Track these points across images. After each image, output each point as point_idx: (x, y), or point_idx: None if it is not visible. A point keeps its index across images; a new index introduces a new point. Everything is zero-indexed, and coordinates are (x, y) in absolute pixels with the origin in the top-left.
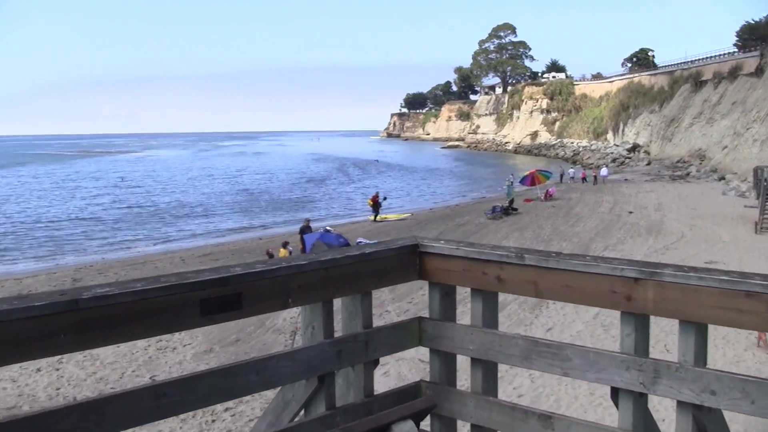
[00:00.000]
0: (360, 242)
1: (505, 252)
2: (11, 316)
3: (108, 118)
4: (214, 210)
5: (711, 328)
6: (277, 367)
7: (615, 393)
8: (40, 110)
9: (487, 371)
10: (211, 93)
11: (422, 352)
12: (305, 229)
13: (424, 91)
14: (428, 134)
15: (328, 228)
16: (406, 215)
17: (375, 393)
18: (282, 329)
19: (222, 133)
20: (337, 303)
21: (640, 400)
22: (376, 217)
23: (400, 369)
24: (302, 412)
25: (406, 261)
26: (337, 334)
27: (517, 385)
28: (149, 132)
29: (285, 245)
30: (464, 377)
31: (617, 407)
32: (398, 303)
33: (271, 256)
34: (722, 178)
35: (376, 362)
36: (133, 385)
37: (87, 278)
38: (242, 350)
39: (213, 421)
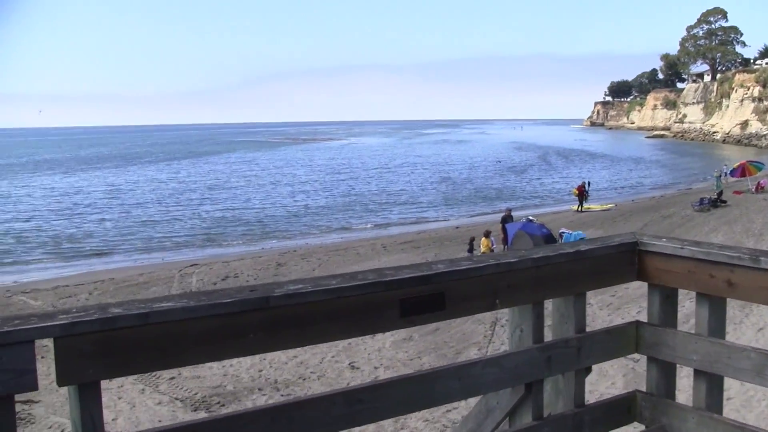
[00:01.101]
0: (563, 233)
1: (737, 253)
2: (198, 313)
3: (314, 107)
4: (417, 197)
5: None
6: (481, 374)
7: None
8: (248, 99)
9: (711, 385)
10: (415, 81)
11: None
12: (507, 219)
13: (629, 78)
14: (632, 123)
15: (530, 218)
16: (609, 205)
17: (586, 403)
18: (482, 319)
19: (425, 121)
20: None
21: None
22: (580, 207)
23: (601, 365)
24: (506, 420)
25: (623, 260)
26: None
27: (725, 386)
28: (353, 120)
29: (487, 234)
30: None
31: None
32: (600, 296)
33: (471, 244)
34: None
35: (588, 370)
36: (327, 390)
37: (290, 263)
38: (441, 339)
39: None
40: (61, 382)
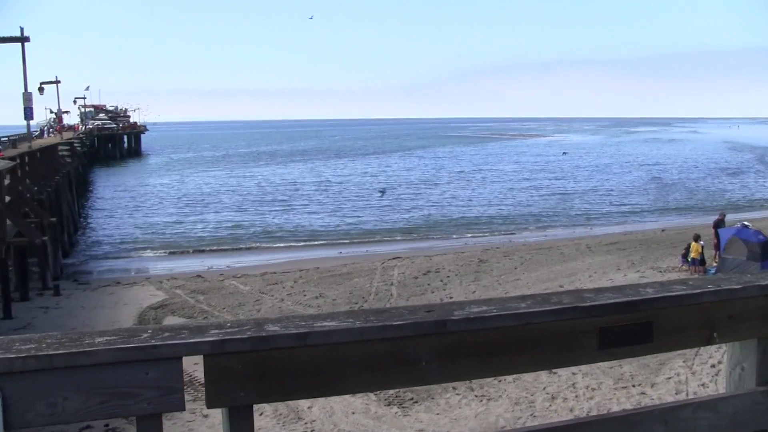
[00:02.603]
0: None
1: None
2: (364, 335)
3: (521, 102)
4: (624, 197)
5: None
6: (692, 419)
7: None
8: (456, 94)
9: None
10: (625, 77)
11: None
12: (719, 223)
13: None
14: None
15: (745, 223)
16: None
17: None
18: None
19: (634, 118)
20: None
21: None
22: None
23: None
24: None
25: None
26: None
27: None
28: (561, 116)
29: (697, 239)
30: None
31: None
32: None
33: (687, 250)
34: None
35: None
36: (519, 427)
37: (492, 260)
38: None
39: None
40: (210, 404)
